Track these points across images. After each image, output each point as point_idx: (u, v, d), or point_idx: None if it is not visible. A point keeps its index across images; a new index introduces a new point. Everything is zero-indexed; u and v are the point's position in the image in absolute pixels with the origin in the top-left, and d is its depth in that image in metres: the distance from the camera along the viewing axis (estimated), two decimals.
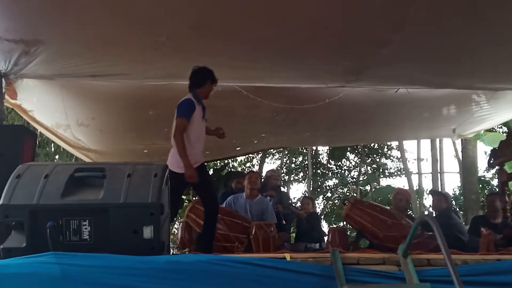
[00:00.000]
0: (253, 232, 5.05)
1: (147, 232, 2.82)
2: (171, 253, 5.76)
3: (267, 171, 8.65)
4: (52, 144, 11.34)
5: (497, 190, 7.41)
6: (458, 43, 5.21)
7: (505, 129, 11.19)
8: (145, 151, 8.25)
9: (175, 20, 4.56)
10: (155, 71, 5.75)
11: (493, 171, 6.33)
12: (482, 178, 15.06)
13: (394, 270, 2.93)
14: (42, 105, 6.26)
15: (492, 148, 6.19)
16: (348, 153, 18.19)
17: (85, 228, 2.87)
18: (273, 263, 2.82)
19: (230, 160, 17.41)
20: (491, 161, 6.00)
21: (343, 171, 19.83)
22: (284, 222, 6.99)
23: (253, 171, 8.35)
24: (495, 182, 10.04)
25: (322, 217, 18.59)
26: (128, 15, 4.42)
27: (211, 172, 14.33)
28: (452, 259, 2.36)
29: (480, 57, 5.56)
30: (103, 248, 2.85)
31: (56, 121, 6.68)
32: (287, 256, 2.95)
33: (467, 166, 11.46)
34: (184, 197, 10.55)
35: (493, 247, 4.78)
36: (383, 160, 19.35)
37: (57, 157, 12.07)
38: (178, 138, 4.71)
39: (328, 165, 19.63)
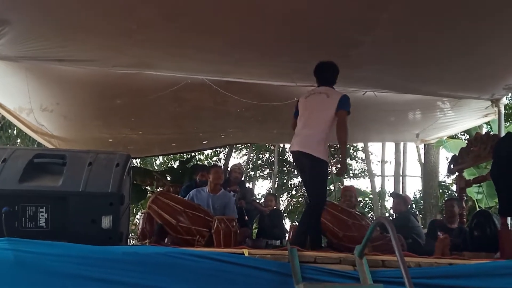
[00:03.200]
0: (214, 226, 5.03)
1: (106, 222, 2.80)
2: (130, 244, 5.73)
3: (231, 166, 8.66)
4: (15, 127, 11.09)
5: (456, 195, 7.59)
6: (426, 51, 5.34)
7: (467, 136, 11.49)
8: (110, 140, 8.16)
9: (147, 9, 4.52)
10: (124, 59, 5.68)
11: (453, 177, 6.48)
12: (443, 183, 15.45)
13: (350, 270, 2.98)
14: (4, 87, 6.11)
15: (453, 154, 6.32)
16: None
17: (42, 215, 2.83)
18: (231, 258, 2.83)
19: (197, 153, 17.37)
20: (451, 167, 6.13)
21: None
22: (247, 218, 7.00)
23: (217, 166, 8.33)
24: (454, 187, 10.29)
25: (286, 214, 18.70)
26: (99, 1, 4.35)
27: (176, 164, 14.28)
28: (405, 261, 2.42)
29: (447, 66, 5.72)
30: (59, 236, 2.82)
31: (19, 105, 6.53)
32: (246, 251, 2.97)
33: (428, 170, 11.74)
34: (148, 188, 10.51)
35: (448, 251, 4.89)
36: (348, 160, 19.56)
37: (18, 141, 11.81)
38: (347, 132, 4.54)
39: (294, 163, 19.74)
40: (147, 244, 5.21)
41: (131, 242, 6.80)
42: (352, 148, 18.98)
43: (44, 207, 2.82)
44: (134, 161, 15.81)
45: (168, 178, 10.51)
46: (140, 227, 5.74)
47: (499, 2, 4.40)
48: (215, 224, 4.99)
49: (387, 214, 15.53)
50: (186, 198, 6.00)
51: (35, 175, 2.88)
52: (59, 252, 2.70)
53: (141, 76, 6.07)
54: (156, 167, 17.89)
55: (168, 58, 5.70)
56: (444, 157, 13.66)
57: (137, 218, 7.74)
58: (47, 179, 2.88)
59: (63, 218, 2.82)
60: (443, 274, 2.93)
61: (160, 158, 18.36)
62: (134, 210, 13.80)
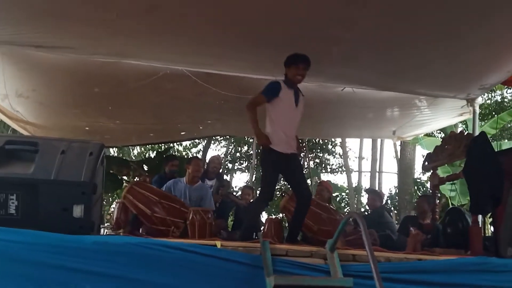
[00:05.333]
0: (190, 218, 5.04)
1: (77, 211, 2.78)
2: (104, 234, 5.69)
3: (210, 157, 8.65)
4: None
5: (429, 192, 7.71)
6: (404, 49, 5.41)
7: (443, 134, 11.66)
8: (87, 128, 8.07)
9: None
10: (103, 48, 5.61)
11: (428, 174, 6.59)
12: (418, 180, 15.66)
13: (321, 264, 3.01)
14: None
15: (428, 152, 6.41)
16: None
17: (12, 203, 2.79)
18: (203, 250, 2.84)
19: (175, 144, 17.28)
20: (426, 165, 6.21)
21: None
22: (223, 210, 7.02)
23: (197, 158, 8.31)
24: (429, 184, 10.46)
25: None
26: None
27: (153, 155, 14.21)
28: (375, 256, 2.46)
29: (424, 65, 5.78)
30: (30, 224, 2.79)
31: None
32: (218, 243, 2.98)
33: (404, 167, 11.89)
34: (125, 178, 10.44)
35: (420, 246, 4.97)
36: (326, 155, 19.69)
37: None
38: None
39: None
40: (121, 234, 5.19)
41: (105, 231, 6.76)
42: (330, 143, 19.11)
43: (15, 195, 2.78)
44: (111, 150, 15.72)
45: (145, 168, 10.46)
46: (114, 217, 5.70)
47: (477, 5, 4.47)
48: (191, 215, 5.00)
49: (362, 209, 15.71)
50: (163, 189, 5.98)
51: (6, 162, 2.84)
52: (30, 240, 2.68)
53: (120, 65, 6.01)
54: (133, 157, 17.75)
55: (147, 48, 5.64)
56: (420, 154, 13.86)
57: (113, 207, 7.67)
58: (18, 166, 2.84)
59: (33, 206, 2.79)
60: (412, 269, 2.99)
61: (138, 148, 18.23)
62: (110, 200, 13.72)
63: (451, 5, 4.50)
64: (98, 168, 2.95)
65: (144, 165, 10.78)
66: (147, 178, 7.46)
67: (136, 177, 9.69)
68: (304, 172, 4.75)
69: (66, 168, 2.82)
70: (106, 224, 7.58)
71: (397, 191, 13.29)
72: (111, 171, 9.97)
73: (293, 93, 4.75)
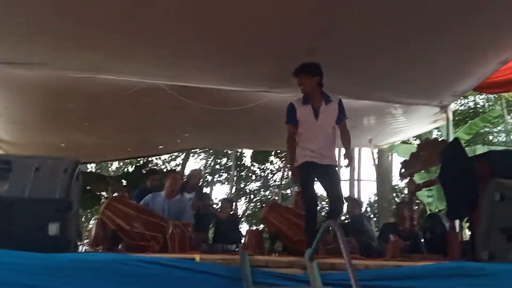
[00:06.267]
0: (169, 232, 5.01)
1: (53, 229, 2.74)
2: (83, 251, 5.62)
3: (189, 171, 8.62)
4: None
5: (407, 199, 7.81)
6: (378, 58, 5.49)
7: (419, 141, 11.82)
8: (62, 144, 7.99)
9: (100, 11, 4.45)
10: (77, 63, 5.55)
11: (405, 180, 6.67)
12: (396, 187, 15.82)
13: (300, 274, 3.02)
14: None
15: (404, 159, 6.50)
16: (271, 156, 18.44)
17: None
18: (182, 264, 2.82)
19: (154, 158, 17.17)
20: (402, 172, 6.30)
21: (266, 175, 20.05)
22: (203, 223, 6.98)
23: (175, 171, 8.29)
24: (407, 191, 10.59)
25: (243, 219, 18.71)
26: (51, 3, 4.26)
27: (131, 169, 14.08)
28: (353, 264, 2.47)
29: (398, 73, 5.88)
30: (4, 244, 2.73)
31: None
32: (197, 257, 2.96)
33: (381, 175, 12.00)
34: (104, 194, 10.33)
35: (399, 253, 5.01)
36: None
37: None
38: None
39: (252, 167, 19.80)
40: (100, 250, 5.13)
41: (83, 248, 6.66)
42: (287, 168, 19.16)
43: None
44: (88, 166, 15.54)
45: (124, 183, 10.37)
46: (93, 234, 5.63)
47: (448, 13, 4.57)
48: (170, 229, 4.97)
49: (342, 217, 15.76)
50: (142, 203, 5.94)
51: None
52: (4, 260, 2.63)
53: (95, 80, 5.96)
54: (112, 172, 17.58)
55: (122, 62, 5.62)
56: (397, 161, 14.04)
57: (91, 224, 7.58)
58: None
59: (8, 225, 2.75)
60: (390, 276, 3.01)
61: (116, 163, 18.07)
62: (89, 216, 13.54)
63: (422, 15, 4.59)
64: (73, 185, 2.91)
65: (122, 180, 10.69)
66: (125, 193, 7.40)
67: (115, 193, 9.60)
68: (337, 183, 4.69)
69: (40, 186, 2.79)
70: (85, 241, 7.48)
71: (376, 198, 13.40)
72: (88, 187, 9.85)
73: (310, 107, 4.74)
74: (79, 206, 3.26)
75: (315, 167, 4.63)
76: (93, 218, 6.43)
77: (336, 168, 4.87)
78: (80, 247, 6.78)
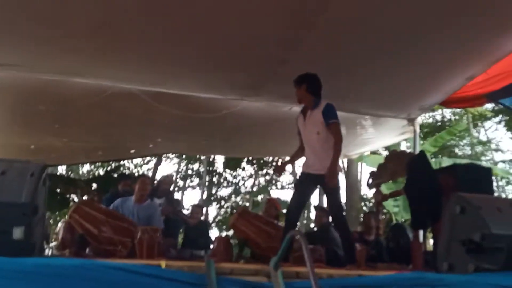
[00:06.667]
0: (138, 237, 4.99)
1: (17, 233, 2.72)
2: (49, 255, 5.54)
3: (160, 176, 8.60)
4: None
5: (374, 209, 7.95)
6: (348, 70, 5.59)
7: (388, 152, 12.03)
8: (32, 147, 7.87)
9: (74, 15, 4.44)
10: (49, 66, 5.52)
11: (373, 190, 6.80)
12: (364, 196, 16.05)
13: (265, 282, 3.06)
14: None
15: (371, 170, 6.62)
16: (243, 163, 18.51)
17: None
18: (148, 270, 2.83)
19: (126, 161, 17.04)
20: (370, 182, 6.41)
21: (237, 181, 20.09)
22: (172, 228, 6.98)
23: (144, 176, 8.26)
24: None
25: (214, 225, 18.69)
26: (24, 5, 4.23)
27: (102, 172, 13.95)
28: (317, 272, 2.53)
29: (367, 85, 6.00)
30: None
31: None
32: (163, 263, 2.98)
33: (350, 184, 12.17)
34: (74, 196, 10.22)
35: (365, 262, 5.11)
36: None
37: None
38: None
39: (224, 173, 19.83)
40: (67, 254, 5.08)
41: (50, 252, 6.57)
42: (280, 160, 19.27)
43: None
44: (59, 168, 15.31)
45: (94, 187, 10.27)
46: (60, 237, 5.57)
47: (416, 29, 4.71)
48: (139, 234, 4.95)
49: (312, 225, 15.89)
50: (111, 207, 5.90)
51: None
52: None
53: (67, 83, 5.92)
54: (83, 175, 17.36)
55: (95, 66, 5.60)
56: (365, 171, 14.26)
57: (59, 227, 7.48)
58: None
59: None
60: (353, 285, 3.06)
61: (87, 166, 17.85)
62: (58, 219, 13.33)
63: (392, 31, 4.72)
64: (39, 189, 2.90)
65: (92, 184, 10.59)
66: (95, 197, 7.34)
67: (85, 196, 9.50)
68: (332, 192, 4.69)
69: (5, 189, 2.76)
70: (53, 244, 7.39)
71: (344, 207, 13.57)
72: (58, 190, 9.74)
73: (302, 115, 4.90)
74: (46, 209, 3.24)
75: (307, 178, 4.75)
76: (61, 221, 6.33)
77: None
78: (47, 250, 6.69)
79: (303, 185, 4.84)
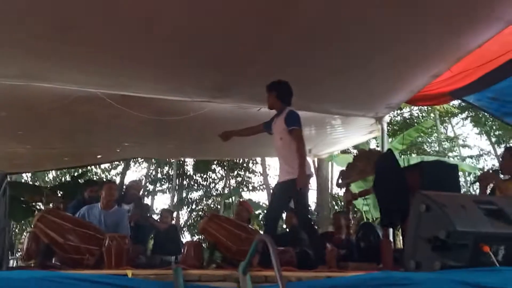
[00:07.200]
0: (106, 244, 4.89)
1: None
2: (14, 265, 5.39)
3: (129, 182, 8.48)
4: None
5: (344, 208, 8.03)
6: (316, 70, 5.65)
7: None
8: None
9: (37, 19, 4.35)
10: (10, 70, 5.39)
11: (343, 190, 6.86)
12: (335, 195, 16.19)
13: (233, 287, 3.03)
14: None
15: (341, 169, 6.68)
16: (214, 165, 18.44)
17: None
18: (114, 280, 2.76)
19: (92, 167, 16.77)
20: (339, 182, 6.46)
21: (208, 184, 19.99)
22: (142, 234, 6.89)
23: (111, 181, 8.13)
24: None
25: (185, 229, 18.55)
26: None
27: (68, 178, 13.68)
28: (282, 276, 2.51)
29: (335, 85, 6.07)
30: None
31: None
32: (129, 273, 2.92)
33: (321, 184, 12.24)
34: (40, 204, 9.99)
35: (335, 262, 5.13)
36: (247, 174, 19.86)
37: None
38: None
39: (194, 176, 19.69)
40: (32, 265, 4.95)
41: (14, 263, 6.41)
42: (251, 162, 19.31)
43: None
44: (24, 175, 14.96)
45: (60, 194, 10.06)
46: (24, 247, 5.42)
47: (382, 30, 4.77)
48: (107, 242, 4.86)
49: (284, 226, 15.93)
50: (77, 215, 5.78)
51: None
52: None
53: (29, 88, 5.80)
54: (48, 182, 17.00)
55: (58, 70, 5.49)
56: (336, 170, 14.42)
57: (24, 237, 7.30)
58: None
59: None
60: (322, 287, 3.07)
61: (53, 172, 17.49)
62: (23, 228, 13.03)
63: (359, 31, 4.78)
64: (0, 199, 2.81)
65: (58, 191, 10.37)
66: (60, 205, 7.20)
67: (50, 204, 9.30)
68: (298, 194, 4.76)
69: None
70: (18, 255, 7.21)
71: (316, 207, 13.66)
72: (22, 198, 9.50)
73: (272, 122, 5.10)
74: (8, 220, 3.13)
75: (279, 188, 4.94)
76: (26, 231, 6.17)
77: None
78: (13, 262, 6.52)
79: (275, 197, 5.06)
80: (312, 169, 13.24)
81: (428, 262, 3.29)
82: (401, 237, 6.31)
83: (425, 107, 15.45)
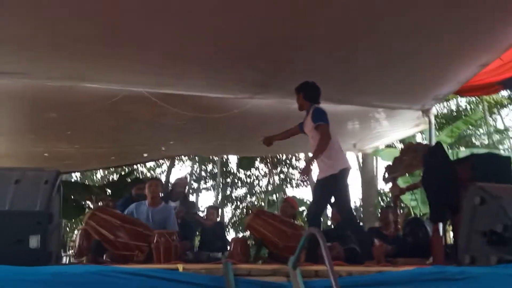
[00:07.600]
0: (154, 241, 4.97)
1: (34, 241, 2.71)
2: (67, 262, 5.56)
3: (174, 179, 8.59)
4: None
5: (391, 203, 7.86)
6: (359, 63, 5.55)
7: (403, 145, 11.91)
8: (46, 154, 7.92)
9: (83, 22, 4.43)
10: (58, 72, 5.52)
11: (389, 185, 6.72)
12: (381, 191, 15.89)
13: (283, 281, 3.02)
14: None
15: (387, 164, 6.54)
16: (257, 162, 18.45)
17: None
18: (165, 274, 2.80)
19: (139, 166, 17.10)
20: (385, 176, 6.33)
21: (252, 181, 20.03)
22: (188, 231, 6.95)
23: (153, 179, 8.19)
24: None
25: (230, 226, 18.66)
26: (32, 13, 4.23)
27: (116, 177, 13.97)
28: (335, 270, 2.48)
29: (379, 78, 5.93)
30: None
31: None
32: (180, 267, 2.95)
33: (366, 179, 12.06)
34: (89, 203, 10.26)
35: (384, 257, 5.04)
36: (291, 170, 19.79)
37: None
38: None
39: (238, 174, 19.77)
40: (84, 261, 5.08)
41: (67, 259, 6.60)
42: (294, 157, 19.21)
43: None
44: (73, 175, 15.41)
45: (108, 192, 10.31)
46: (76, 244, 5.58)
47: (428, 18, 4.64)
48: (155, 238, 4.93)
49: (329, 223, 15.80)
50: (126, 213, 5.89)
51: None
52: None
53: (77, 89, 5.94)
54: (97, 181, 17.45)
55: (104, 71, 5.59)
56: (382, 165, 14.13)
57: (75, 234, 7.52)
58: None
59: None
60: (372, 282, 3.02)
61: (101, 171, 17.93)
62: (74, 226, 13.42)
63: (404, 21, 4.65)
64: (54, 196, 2.89)
65: (107, 189, 10.62)
66: (110, 203, 7.34)
67: (100, 202, 9.53)
68: (341, 191, 4.95)
69: (20, 198, 2.76)
70: (70, 252, 7.42)
71: (361, 203, 13.47)
72: (72, 197, 9.78)
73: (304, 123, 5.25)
74: (61, 217, 3.23)
75: (317, 184, 5.08)
76: (77, 228, 6.35)
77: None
78: (65, 258, 6.72)
79: (316, 193, 5.19)
80: (356, 164, 13.24)
81: (484, 256, 3.19)
82: (451, 232, 6.15)
83: (473, 98, 14.98)
